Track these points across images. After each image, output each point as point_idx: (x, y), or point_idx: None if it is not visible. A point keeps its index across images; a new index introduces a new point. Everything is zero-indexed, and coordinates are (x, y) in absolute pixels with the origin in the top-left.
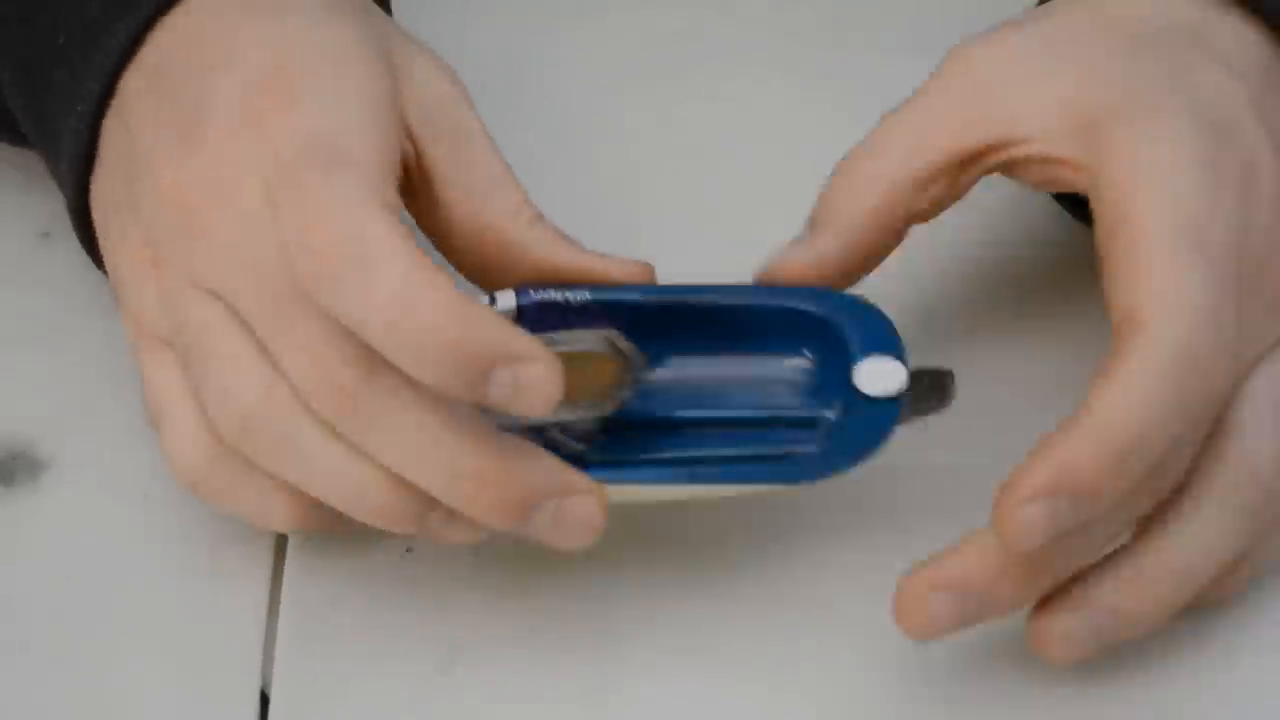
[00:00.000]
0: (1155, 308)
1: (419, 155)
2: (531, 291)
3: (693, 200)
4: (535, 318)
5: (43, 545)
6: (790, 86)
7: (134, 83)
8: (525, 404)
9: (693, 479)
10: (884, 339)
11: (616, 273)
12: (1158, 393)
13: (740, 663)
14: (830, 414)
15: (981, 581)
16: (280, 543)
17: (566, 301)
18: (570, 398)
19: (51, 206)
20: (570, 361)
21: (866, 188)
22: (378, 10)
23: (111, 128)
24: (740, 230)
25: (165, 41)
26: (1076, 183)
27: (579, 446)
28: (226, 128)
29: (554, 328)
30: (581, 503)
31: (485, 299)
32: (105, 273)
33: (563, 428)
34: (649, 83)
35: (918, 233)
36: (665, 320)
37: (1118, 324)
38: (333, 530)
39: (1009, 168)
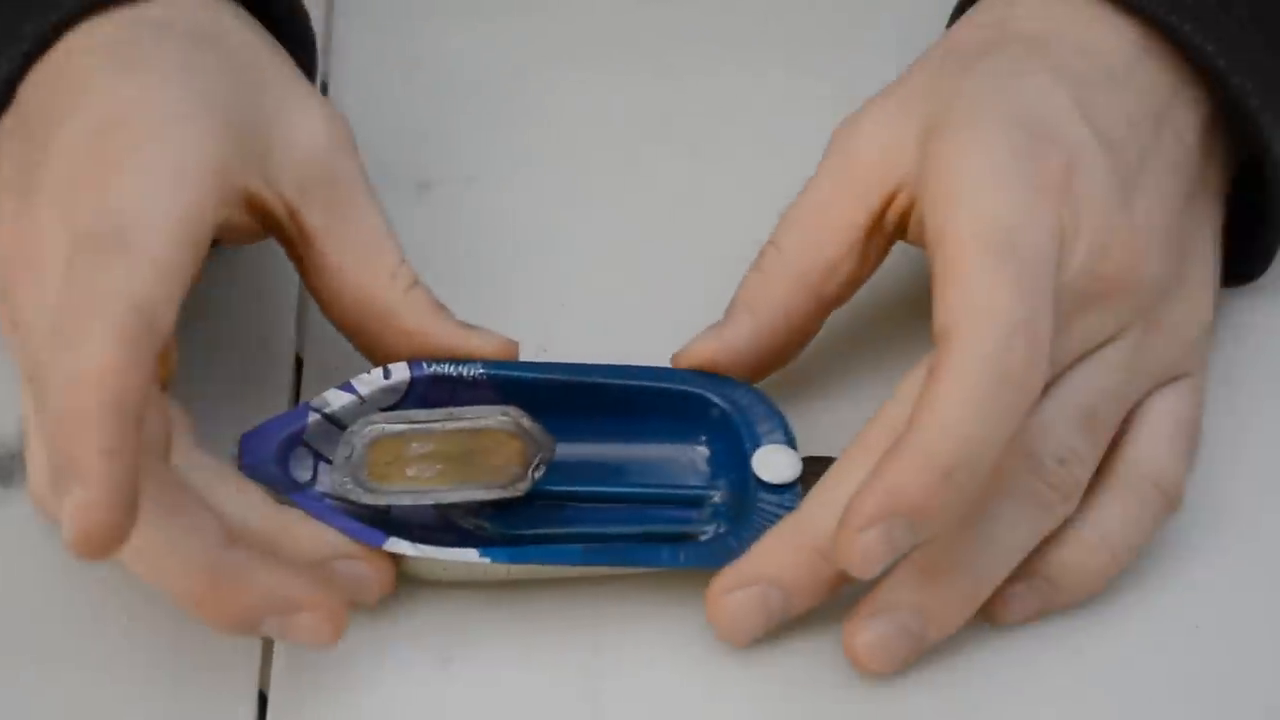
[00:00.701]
0: (964, 322)
1: (294, 217)
2: (425, 365)
3: (690, 198)
4: (427, 391)
5: (42, 545)
6: (788, 85)
7: (8, 122)
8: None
9: (597, 559)
10: (777, 427)
11: (484, 348)
12: (974, 410)
13: (738, 661)
14: (716, 495)
15: (779, 575)
16: None
17: (460, 376)
18: (472, 477)
19: None
20: (474, 438)
21: (775, 282)
22: (256, 65)
23: None
24: (738, 227)
25: (36, 81)
26: None
27: (472, 523)
28: (50, 190)
29: (446, 403)
30: (305, 619)
31: (380, 372)
32: None
33: (464, 506)
34: (645, 82)
35: None
36: (558, 397)
37: (936, 339)
38: None
39: (903, 230)
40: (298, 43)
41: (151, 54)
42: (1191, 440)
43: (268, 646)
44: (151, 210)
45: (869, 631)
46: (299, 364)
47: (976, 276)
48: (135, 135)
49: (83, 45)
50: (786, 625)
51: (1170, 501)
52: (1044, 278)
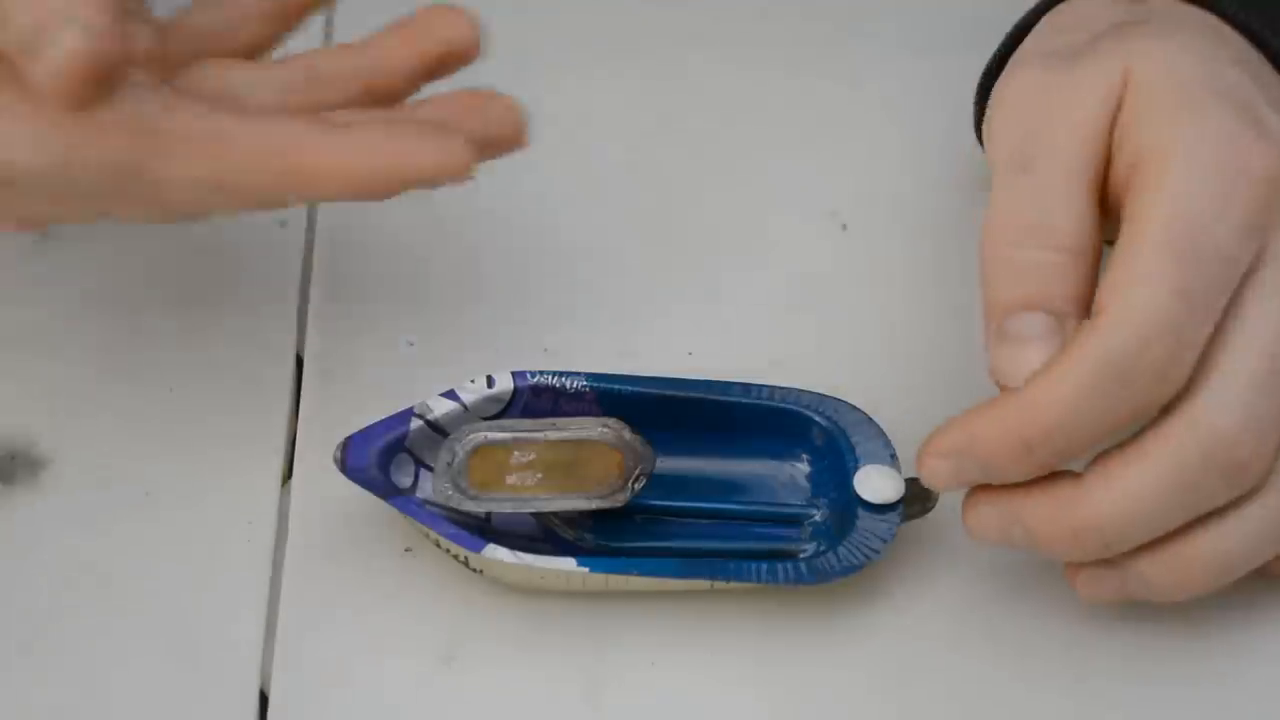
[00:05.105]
0: (1111, 307)
1: None
2: (529, 375)
3: (692, 198)
4: (530, 401)
5: (43, 545)
6: (791, 85)
7: None
8: None
9: (695, 573)
10: (880, 447)
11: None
12: (1079, 397)
13: (737, 660)
14: (816, 514)
15: (980, 449)
16: (280, 542)
17: (563, 387)
18: (572, 487)
19: None
20: (575, 449)
21: None
22: None
23: None
24: (740, 228)
25: None
26: None
27: (572, 534)
28: None
29: (549, 413)
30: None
31: (484, 381)
32: None
33: (559, 516)
34: (647, 82)
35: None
36: (660, 411)
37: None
38: None
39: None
40: None
41: None
42: None
43: (269, 645)
44: None
45: (1093, 566)
46: (299, 364)
47: (1144, 263)
48: None
49: None
50: (790, 626)
51: None
52: (1216, 279)
